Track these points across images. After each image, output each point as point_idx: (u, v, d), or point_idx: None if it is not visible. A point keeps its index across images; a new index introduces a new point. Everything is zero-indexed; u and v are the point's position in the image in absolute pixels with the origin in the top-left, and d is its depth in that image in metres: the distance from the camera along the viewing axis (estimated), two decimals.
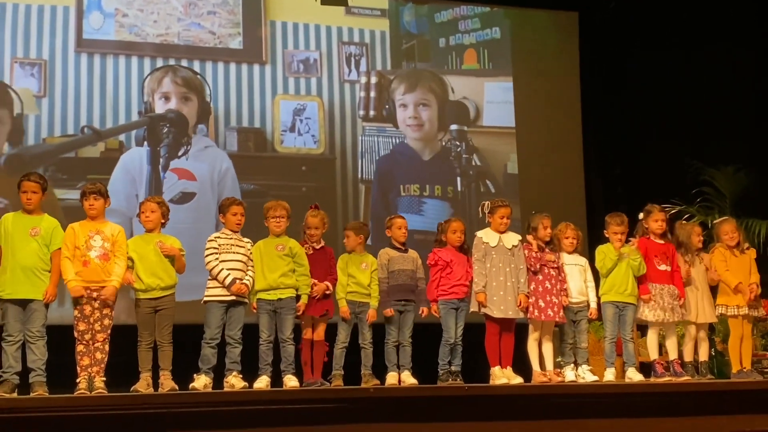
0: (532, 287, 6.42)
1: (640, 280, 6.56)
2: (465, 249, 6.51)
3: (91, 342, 5.65)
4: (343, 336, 6.27)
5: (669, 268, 6.60)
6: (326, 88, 8.67)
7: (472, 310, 6.40)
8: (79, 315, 5.67)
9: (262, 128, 8.40)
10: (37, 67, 7.76)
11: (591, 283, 6.64)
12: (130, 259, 5.88)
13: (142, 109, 8.07)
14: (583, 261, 6.67)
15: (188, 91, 8.21)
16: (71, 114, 7.81)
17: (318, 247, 6.33)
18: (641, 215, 6.75)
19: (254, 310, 6.14)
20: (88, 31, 7.89)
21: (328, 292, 6.23)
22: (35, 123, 7.83)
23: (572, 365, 6.49)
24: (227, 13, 8.31)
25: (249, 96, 8.32)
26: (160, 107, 8.14)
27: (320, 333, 6.26)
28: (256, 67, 8.40)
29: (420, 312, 6.44)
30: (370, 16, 8.84)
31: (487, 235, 6.48)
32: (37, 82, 7.70)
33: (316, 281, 6.18)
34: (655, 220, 6.68)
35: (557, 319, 6.45)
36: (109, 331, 5.70)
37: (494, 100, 9.21)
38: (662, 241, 6.68)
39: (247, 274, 6.10)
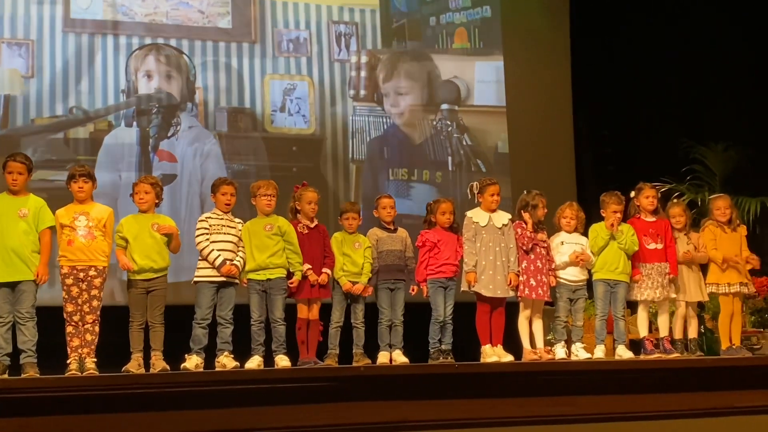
0: (523, 266, 6.43)
1: (633, 261, 6.58)
2: (454, 228, 6.51)
3: (80, 323, 5.64)
4: (337, 316, 6.27)
5: (660, 246, 6.62)
6: (316, 67, 8.59)
7: (462, 289, 6.41)
8: (66, 296, 5.66)
9: (251, 108, 8.34)
10: (25, 47, 7.66)
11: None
12: (124, 239, 5.87)
13: (125, 88, 7.99)
14: (584, 240, 6.67)
15: (171, 69, 8.13)
16: (60, 94, 7.72)
17: (312, 225, 6.31)
18: (632, 194, 6.77)
19: (244, 284, 6.14)
20: (76, 10, 7.79)
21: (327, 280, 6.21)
22: (23, 104, 7.75)
23: (563, 343, 6.51)
24: None
25: (238, 76, 8.25)
26: (143, 86, 8.06)
27: (315, 312, 6.25)
28: (246, 47, 8.30)
29: (410, 290, 6.45)
30: None
31: (477, 215, 6.49)
32: (24, 62, 7.60)
33: (309, 266, 6.15)
34: (645, 197, 6.71)
35: (546, 298, 6.47)
36: (98, 312, 5.69)
37: (485, 80, 9.15)
38: (653, 219, 6.69)
39: (237, 255, 6.09)
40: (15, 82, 7.53)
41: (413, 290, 6.46)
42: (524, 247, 6.44)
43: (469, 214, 6.52)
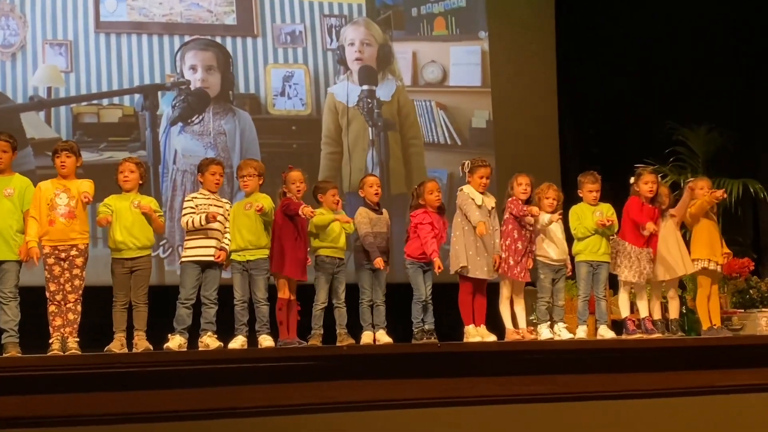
0: (508, 242, 6.43)
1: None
2: (441, 209, 6.51)
3: (62, 302, 5.62)
4: (323, 296, 6.26)
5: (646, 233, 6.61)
6: (311, 56, 9.40)
7: (452, 271, 6.40)
8: (48, 275, 5.63)
9: (256, 94, 9.25)
10: (64, 47, 8.82)
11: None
12: (109, 210, 5.84)
13: (176, 79, 9.04)
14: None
15: (212, 63, 9.18)
16: (94, 86, 8.85)
17: None
18: (632, 179, 6.70)
19: (226, 270, 6.13)
20: (104, 14, 8.95)
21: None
22: (63, 95, 8.82)
23: (548, 322, 6.52)
24: None
25: (244, 66, 9.20)
26: (189, 77, 9.09)
27: (292, 293, 6.23)
28: (249, 40, 9.26)
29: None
30: None
31: (472, 192, 6.40)
32: (64, 59, 8.77)
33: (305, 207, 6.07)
34: (645, 182, 6.60)
35: (527, 280, 6.47)
36: (80, 292, 5.67)
37: (459, 63, 9.81)
38: (650, 205, 6.60)
39: (225, 237, 6.07)
40: (56, 76, 8.72)
41: (387, 269, 6.44)
42: (519, 213, 6.41)
43: (465, 189, 6.44)
